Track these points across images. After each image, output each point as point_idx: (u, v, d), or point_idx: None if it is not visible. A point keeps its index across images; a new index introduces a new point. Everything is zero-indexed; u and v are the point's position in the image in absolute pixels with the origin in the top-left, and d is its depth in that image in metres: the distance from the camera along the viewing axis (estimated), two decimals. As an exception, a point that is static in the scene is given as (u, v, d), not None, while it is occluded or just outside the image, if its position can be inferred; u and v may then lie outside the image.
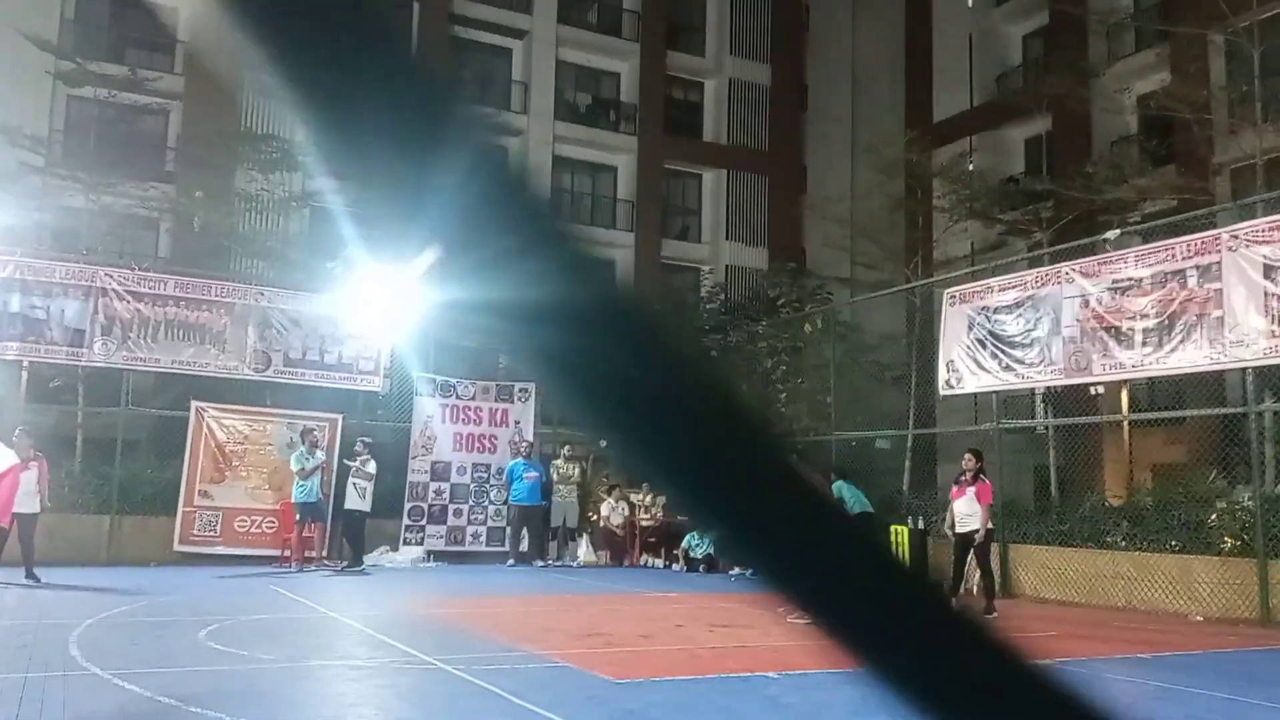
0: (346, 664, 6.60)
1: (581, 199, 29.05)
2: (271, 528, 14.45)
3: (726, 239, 29.24)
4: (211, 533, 14.22)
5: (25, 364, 14.61)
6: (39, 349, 13.99)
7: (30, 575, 10.69)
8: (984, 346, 13.80)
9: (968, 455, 11.20)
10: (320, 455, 14.04)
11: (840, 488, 14.17)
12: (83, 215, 17.96)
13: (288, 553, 13.86)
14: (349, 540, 13.82)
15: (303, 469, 13.48)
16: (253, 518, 14.49)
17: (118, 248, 18.37)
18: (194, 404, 14.58)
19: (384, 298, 15.86)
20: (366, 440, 14.33)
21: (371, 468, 14.03)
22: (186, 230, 20.20)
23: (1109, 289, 12.19)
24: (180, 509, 14.09)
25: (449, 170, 0.45)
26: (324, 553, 14.23)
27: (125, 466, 14.42)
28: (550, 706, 5.18)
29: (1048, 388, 15.34)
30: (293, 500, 13.60)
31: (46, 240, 17.43)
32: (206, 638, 7.34)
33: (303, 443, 13.96)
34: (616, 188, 29.00)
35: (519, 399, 17.04)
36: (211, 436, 14.56)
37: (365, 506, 13.94)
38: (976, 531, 10.66)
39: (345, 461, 14.28)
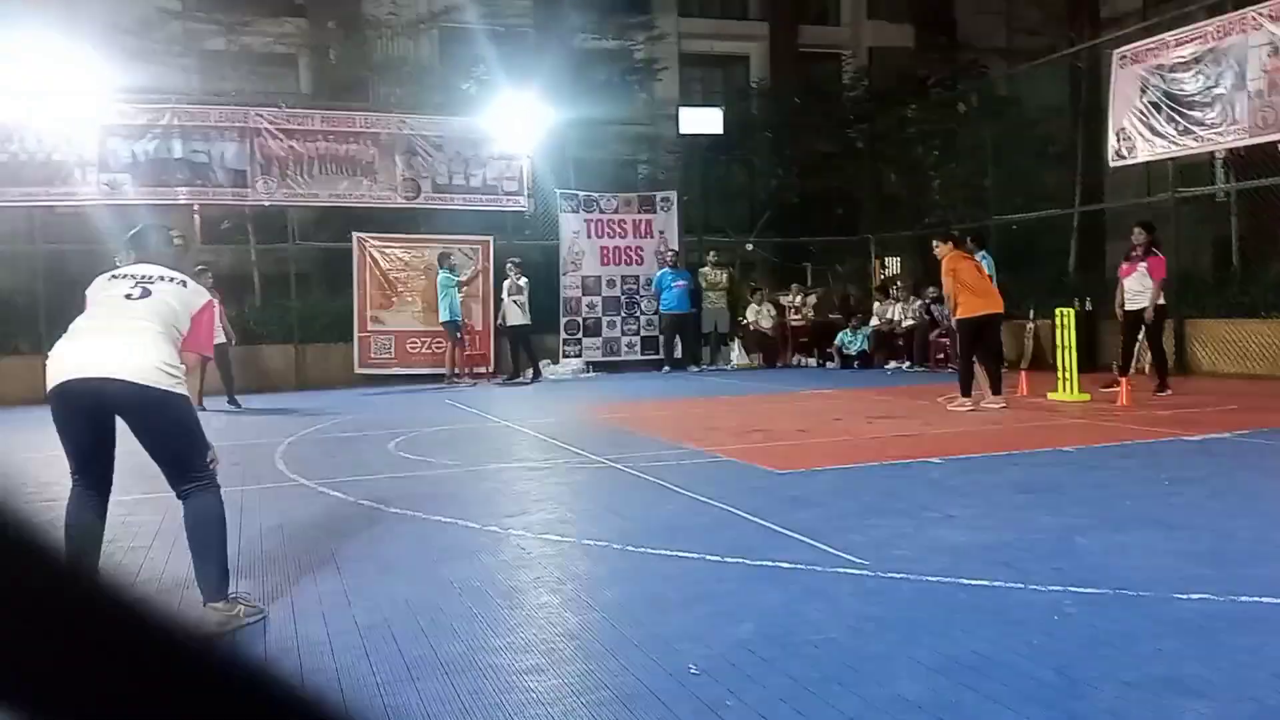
0: (524, 465, 7.01)
1: (710, -11, 27.67)
2: (440, 348, 15.21)
3: (868, 18, 27.45)
4: (387, 355, 15.14)
5: (196, 207, 15.47)
6: (207, 192, 14.74)
7: (232, 401, 11.74)
8: (1159, 110, 12.70)
9: (1137, 229, 10.52)
10: (456, 275, 14.52)
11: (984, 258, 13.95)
12: (225, 58, 18.40)
13: (457, 370, 14.63)
14: (526, 353, 14.66)
15: (458, 283, 14.15)
16: (422, 339, 15.29)
17: (263, 87, 18.81)
18: (355, 235, 15.20)
19: (520, 115, 15.86)
20: (515, 260, 14.79)
21: (523, 283, 14.56)
22: (324, 64, 20.44)
23: (1306, 31, 10.89)
24: (356, 335, 15.00)
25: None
26: (489, 368, 14.96)
27: (300, 298, 15.36)
28: (717, 497, 5.40)
29: (1229, 151, 14.11)
30: (441, 321, 14.24)
31: (196, 86, 18.00)
32: (395, 448, 7.92)
33: (441, 266, 14.44)
34: (747, -26, 27.42)
35: (661, 208, 16.97)
36: (375, 265, 15.23)
37: (526, 320, 14.60)
38: (1146, 309, 10.16)
39: (509, 281, 14.81)
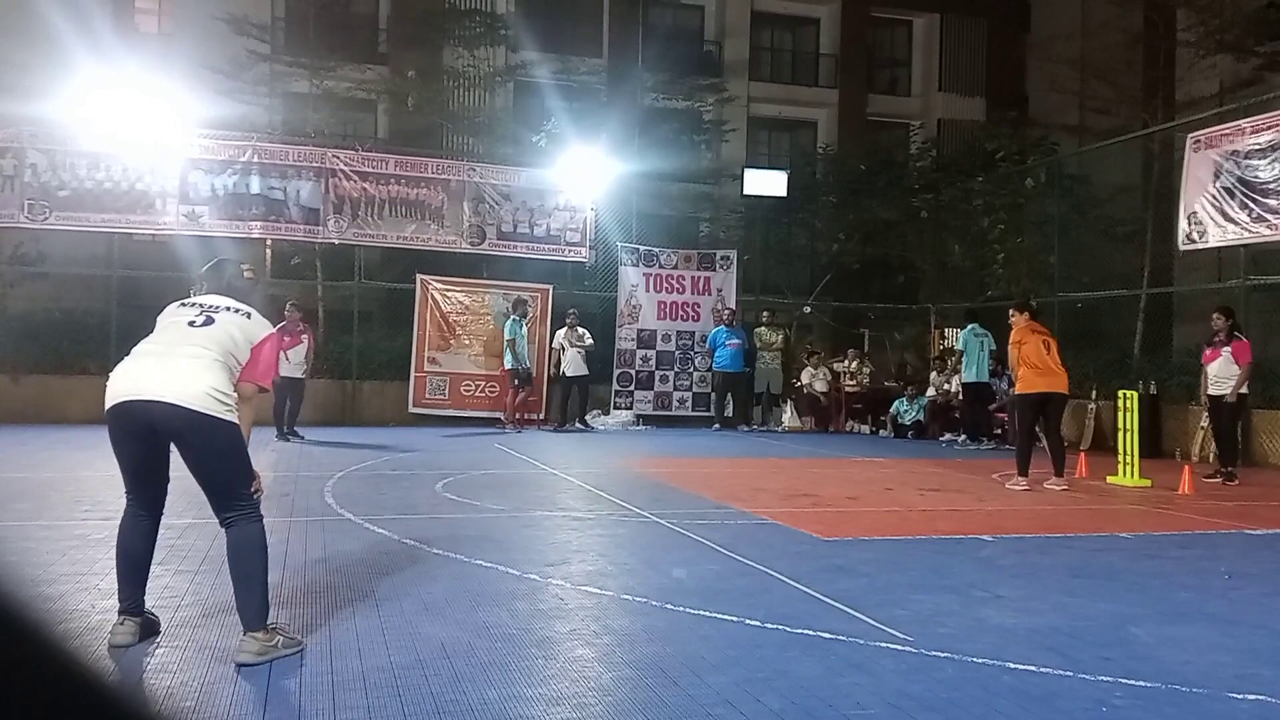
0: (568, 515, 7.00)
1: (781, 56, 28.00)
2: (494, 392, 15.36)
3: (939, 90, 27.53)
4: (441, 396, 15.31)
5: (269, 242, 15.90)
6: (280, 227, 15.17)
7: (291, 433, 11.96)
8: (1232, 195, 12.49)
9: (1216, 315, 10.30)
10: (525, 323, 14.74)
11: (965, 338, 14.41)
12: (308, 100, 19.02)
13: (518, 416, 14.74)
14: (580, 401, 15.01)
15: (512, 339, 14.27)
16: (476, 382, 15.45)
17: (341, 130, 19.38)
18: (419, 277, 15.49)
19: (587, 169, 16.13)
20: (574, 311, 14.98)
21: (588, 339, 14.89)
22: (401, 110, 21.03)
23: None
24: (412, 374, 15.21)
25: None
26: (540, 415, 15.05)
27: (361, 335, 15.65)
28: (760, 560, 5.33)
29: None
30: (506, 366, 14.39)
31: (278, 125, 18.60)
32: (442, 489, 7.97)
33: (514, 312, 14.63)
34: (819, 41, 27.72)
35: (720, 267, 17.04)
36: (436, 307, 15.48)
37: (584, 371, 14.90)
38: (1227, 393, 9.91)
39: (566, 330, 14.96)
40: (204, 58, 18.18)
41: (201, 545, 5.29)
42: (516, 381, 14.37)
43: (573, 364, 14.80)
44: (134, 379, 3.51)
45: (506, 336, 14.44)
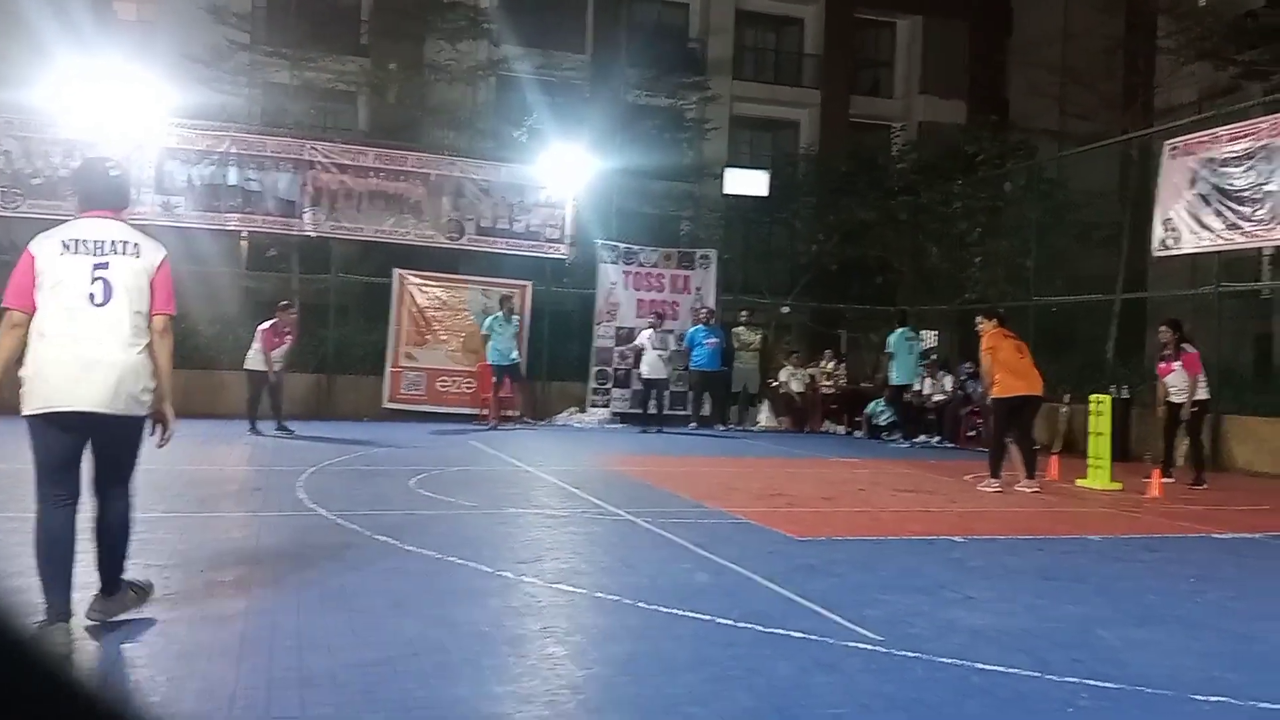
0: (541, 512, 6.99)
1: (765, 55, 28.05)
2: (470, 388, 15.29)
3: (920, 93, 27.68)
4: (417, 391, 15.23)
5: (244, 234, 15.77)
6: (257, 220, 15.04)
7: (281, 428, 11.86)
8: (1207, 203, 12.62)
9: (1163, 328, 10.46)
10: (515, 320, 14.64)
11: (894, 340, 15.04)
12: (287, 91, 18.88)
13: (486, 411, 14.67)
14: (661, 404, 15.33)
15: (487, 334, 14.18)
16: (453, 378, 15.38)
17: (320, 121, 19.25)
18: (396, 271, 15.39)
19: (568, 165, 16.09)
20: (657, 314, 15.61)
21: (671, 343, 15.46)
22: (382, 103, 20.91)
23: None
24: (388, 369, 15.12)
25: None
26: (517, 411, 14.98)
27: (337, 329, 15.55)
28: (732, 558, 5.34)
29: (1276, 248, 13.99)
30: (489, 362, 14.28)
31: (256, 116, 18.45)
32: (416, 485, 7.93)
33: (500, 309, 14.55)
34: (803, 42, 27.79)
35: (700, 265, 17.05)
36: (413, 302, 15.39)
37: (662, 374, 15.25)
38: (1184, 406, 10.05)
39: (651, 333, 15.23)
40: (183, 46, 18.01)
41: (171, 539, 5.24)
42: (501, 377, 14.20)
43: (651, 366, 15.02)
44: (67, 388, 3.58)
45: (483, 331, 14.38)
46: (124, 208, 3.95)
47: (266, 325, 12.06)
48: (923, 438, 15.03)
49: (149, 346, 3.75)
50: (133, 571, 3.98)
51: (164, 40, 18.61)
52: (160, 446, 3.88)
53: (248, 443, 10.98)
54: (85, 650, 3.48)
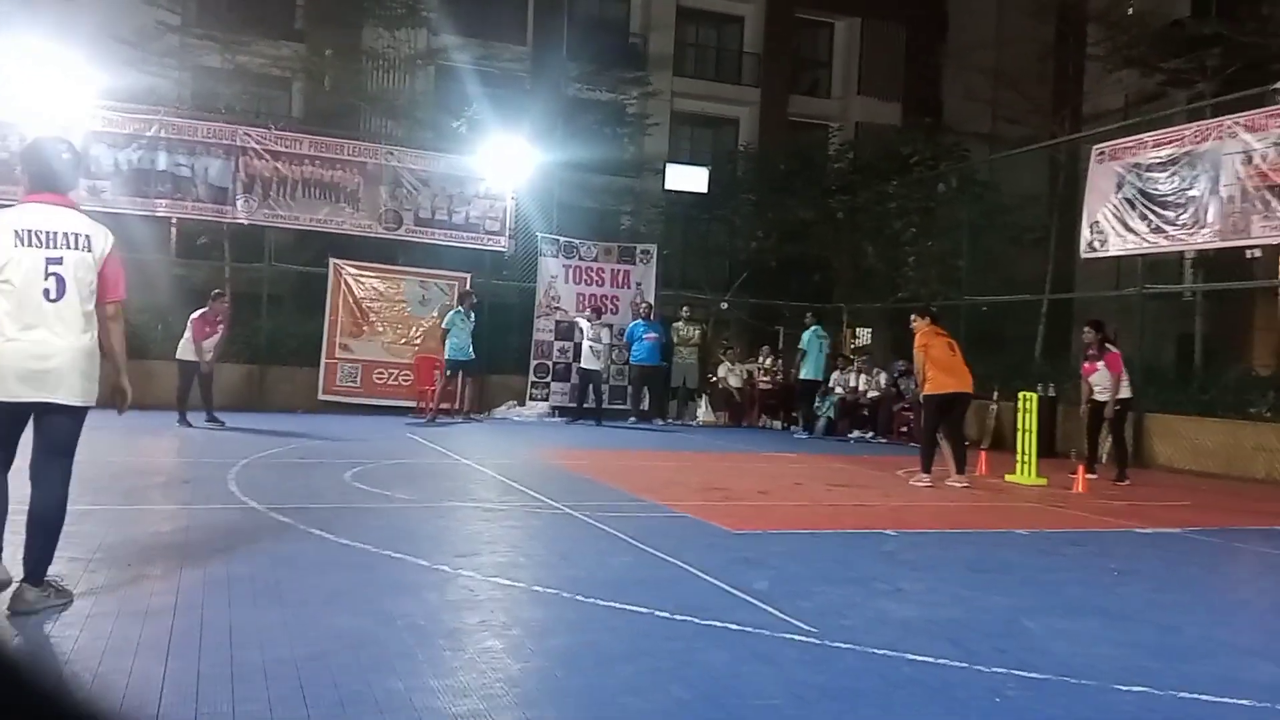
0: (479, 506, 6.95)
1: (706, 52, 28.16)
2: (408, 380, 15.13)
3: (858, 94, 28.05)
4: (352, 383, 15.02)
5: (174, 221, 15.37)
6: (187, 206, 14.68)
7: (211, 419, 11.55)
8: (1132, 206, 13.02)
9: (1086, 329, 10.80)
10: (473, 317, 14.36)
11: (807, 338, 15.85)
12: (219, 75, 18.44)
13: (423, 404, 14.51)
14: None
15: (448, 329, 13.99)
16: (390, 370, 15.20)
17: (253, 107, 18.83)
18: (332, 261, 15.16)
19: (508, 157, 15.99)
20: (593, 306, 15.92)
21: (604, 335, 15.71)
22: (318, 89, 20.54)
23: (1276, 144, 11.25)
24: (323, 361, 14.89)
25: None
26: (460, 405, 14.83)
27: (271, 320, 15.25)
28: (670, 552, 5.38)
29: (1199, 251, 14.47)
30: (447, 357, 14.00)
31: (187, 100, 17.99)
32: (351, 479, 7.83)
33: (460, 304, 14.37)
34: (743, 40, 27.97)
35: (640, 260, 17.09)
36: (349, 293, 15.17)
37: (595, 366, 15.56)
38: (1107, 405, 10.38)
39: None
40: (110, 27, 17.47)
41: (98, 532, 5.10)
42: (449, 372, 14.01)
43: (584, 357, 15.39)
44: (22, 379, 3.70)
45: (443, 326, 14.19)
46: (73, 189, 3.98)
47: (198, 314, 11.77)
48: (856, 433, 15.28)
49: (97, 335, 3.87)
50: (58, 565, 3.88)
51: (90, 20, 18.02)
52: (120, 414, 4.08)
53: (177, 434, 10.73)
54: (7, 640, 3.38)
